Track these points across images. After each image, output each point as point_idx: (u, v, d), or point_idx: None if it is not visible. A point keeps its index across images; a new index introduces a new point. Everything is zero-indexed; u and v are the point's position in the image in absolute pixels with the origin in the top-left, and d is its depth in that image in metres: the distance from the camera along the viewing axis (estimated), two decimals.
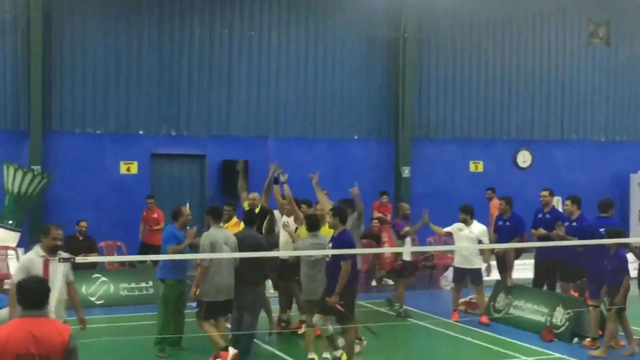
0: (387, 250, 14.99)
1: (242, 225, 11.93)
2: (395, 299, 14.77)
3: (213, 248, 10.43)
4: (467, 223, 13.92)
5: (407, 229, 14.79)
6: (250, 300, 10.89)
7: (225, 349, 10.33)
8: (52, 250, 8.55)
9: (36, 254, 8.68)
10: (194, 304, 11.07)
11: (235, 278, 10.71)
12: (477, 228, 13.87)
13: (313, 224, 10.90)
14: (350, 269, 9.96)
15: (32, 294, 5.62)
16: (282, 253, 11.89)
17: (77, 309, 9.12)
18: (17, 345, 5.41)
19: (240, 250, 10.60)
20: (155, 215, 17.75)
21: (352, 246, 10.23)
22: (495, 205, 17.65)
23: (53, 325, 5.67)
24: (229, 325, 11.25)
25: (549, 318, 12.74)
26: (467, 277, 14.09)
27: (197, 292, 10.60)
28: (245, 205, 12.81)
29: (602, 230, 11.66)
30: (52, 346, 5.52)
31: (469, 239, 13.78)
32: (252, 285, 10.82)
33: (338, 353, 10.20)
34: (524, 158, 22.74)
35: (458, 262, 14.12)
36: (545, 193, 14.12)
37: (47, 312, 5.73)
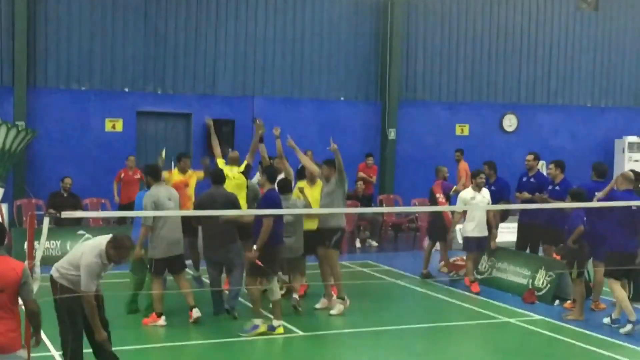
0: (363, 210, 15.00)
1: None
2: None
3: (157, 207, 10.50)
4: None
5: (454, 188, 14.68)
6: (229, 257, 11.10)
7: (159, 315, 10.61)
8: None
9: None
10: None
11: (212, 237, 10.97)
12: (486, 193, 13.52)
13: (284, 186, 11.12)
14: (272, 227, 10.06)
15: None
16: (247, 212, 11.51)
17: None
18: None
19: (215, 208, 10.63)
20: (138, 176, 17.11)
21: (277, 205, 10.27)
22: (463, 168, 17.78)
23: (7, 263, 6.46)
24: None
25: (531, 280, 12.86)
26: (481, 246, 13.65)
27: (142, 252, 10.66)
28: (221, 164, 12.60)
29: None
30: (6, 281, 6.33)
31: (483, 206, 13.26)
32: (228, 242, 11.03)
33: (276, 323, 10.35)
34: (510, 122, 22.77)
35: (474, 232, 13.38)
36: (530, 157, 14.19)
37: (3, 251, 6.55)
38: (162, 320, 10.64)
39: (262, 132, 12.70)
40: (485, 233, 13.50)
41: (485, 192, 13.48)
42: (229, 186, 11.71)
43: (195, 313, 10.68)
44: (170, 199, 10.74)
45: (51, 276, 8.04)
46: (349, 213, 17.22)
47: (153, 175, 10.94)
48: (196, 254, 12.58)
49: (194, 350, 10.01)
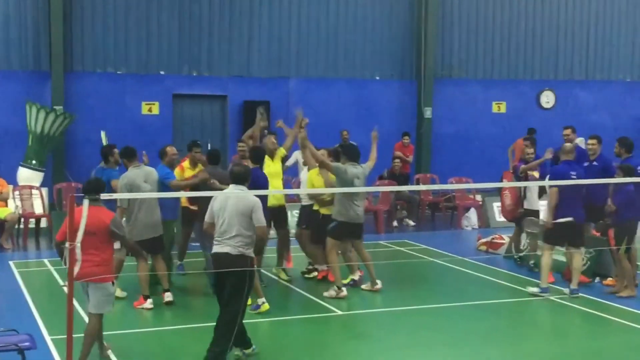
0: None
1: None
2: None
3: (131, 189, 10.39)
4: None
5: (523, 166, 13.23)
6: None
7: (146, 298, 10.50)
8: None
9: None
10: None
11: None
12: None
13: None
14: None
15: (90, 187, 7.99)
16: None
17: None
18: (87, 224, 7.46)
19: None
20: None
21: (263, 185, 10.35)
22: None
23: (101, 212, 7.98)
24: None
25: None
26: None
27: None
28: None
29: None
30: (98, 227, 7.86)
31: None
32: None
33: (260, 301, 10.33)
34: (548, 99, 22.52)
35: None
36: (568, 131, 14.01)
37: (99, 202, 8.01)
38: (148, 303, 10.50)
39: (305, 123, 11.96)
40: None
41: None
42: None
43: (167, 297, 10.60)
44: (146, 181, 10.63)
45: (239, 255, 8.15)
46: (387, 192, 17.23)
47: (128, 157, 10.88)
48: (185, 246, 12.63)
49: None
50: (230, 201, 8.28)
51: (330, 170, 11.39)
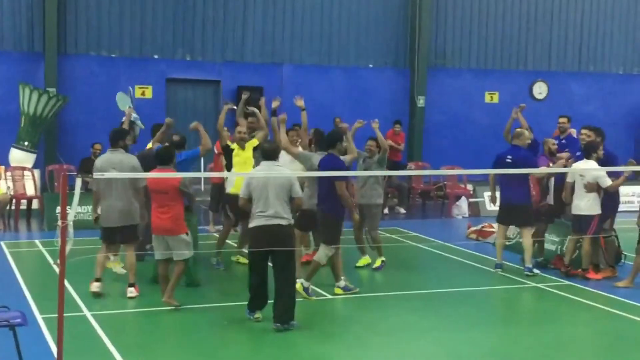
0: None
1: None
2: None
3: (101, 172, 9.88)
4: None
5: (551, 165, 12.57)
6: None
7: (97, 280, 10.17)
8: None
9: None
10: None
11: None
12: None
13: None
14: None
15: (162, 152, 9.74)
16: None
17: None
18: (153, 184, 9.49)
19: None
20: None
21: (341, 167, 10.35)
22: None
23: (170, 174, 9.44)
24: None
25: (559, 246, 12.82)
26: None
27: (94, 216, 10.52)
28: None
29: None
30: (168, 186, 9.43)
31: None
32: None
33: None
34: (540, 89, 22.60)
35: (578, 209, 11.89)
36: (564, 119, 14.11)
37: (171, 166, 9.65)
38: (94, 287, 10.18)
39: (276, 106, 11.78)
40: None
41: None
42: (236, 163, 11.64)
43: (130, 293, 10.22)
44: (114, 167, 10.08)
45: (289, 225, 9.03)
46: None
47: (109, 139, 10.55)
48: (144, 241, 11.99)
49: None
50: (270, 177, 8.93)
51: (294, 156, 11.24)
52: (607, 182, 11.52)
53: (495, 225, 14.56)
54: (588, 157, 11.81)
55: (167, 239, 9.60)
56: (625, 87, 23.35)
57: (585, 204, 11.68)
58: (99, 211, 10.34)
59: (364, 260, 12.35)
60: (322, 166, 10.42)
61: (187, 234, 9.69)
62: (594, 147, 11.89)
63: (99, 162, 10.41)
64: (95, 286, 10.17)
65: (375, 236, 12.17)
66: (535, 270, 11.96)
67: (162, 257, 9.71)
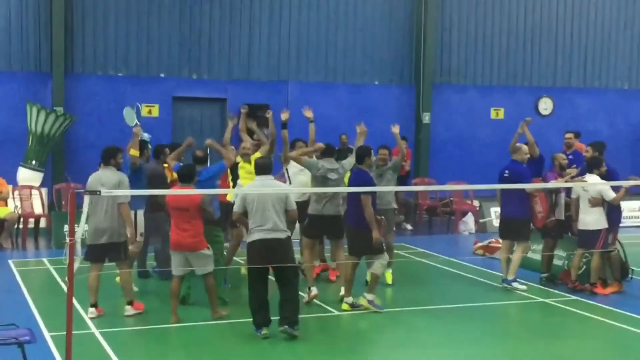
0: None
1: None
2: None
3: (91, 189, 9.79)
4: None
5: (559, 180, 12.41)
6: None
7: (93, 306, 10.09)
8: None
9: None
10: None
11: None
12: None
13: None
14: None
15: (183, 171, 10.16)
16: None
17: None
18: (174, 202, 9.77)
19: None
20: None
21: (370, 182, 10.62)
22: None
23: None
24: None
25: (566, 262, 12.81)
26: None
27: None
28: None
29: None
30: (190, 204, 9.68)
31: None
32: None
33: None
34: (546, 105, 22.63)
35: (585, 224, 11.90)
36: (570, 135, 14.17)
37: (192, 184, 10.02)
38: (90, 313, 10.09)
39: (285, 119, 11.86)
40: None
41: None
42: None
43: (128, 311, 10.24)
44: (103, 185, 9.91)
45: (287, 238, 9.31)
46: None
47: (101, 157, 10.42)
48: (144, 258, 12.31)
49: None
50: (265, 191, 9.17)
51: (304, 165, 11.45)
52: (611, 195, 11.57)
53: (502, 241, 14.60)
54: (590, 172, 11.86)
55: (187, 255, 9.87)
56: (631, 102, 23.37)
57: (592, 219, 11.71)
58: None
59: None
60: (352, 181, 10.78)
61: (208, 248, 9.99)
62: (596, 162, 11.94)
63: (90, 179, 10.31)
64: (91, 312, 10.08)
65: (390, 242, 12.11)
66: (517, 285, 11.89)
67: (181, 273, 9.97)
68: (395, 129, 12.23)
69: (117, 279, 11.19)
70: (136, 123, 13.49)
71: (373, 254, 10.50)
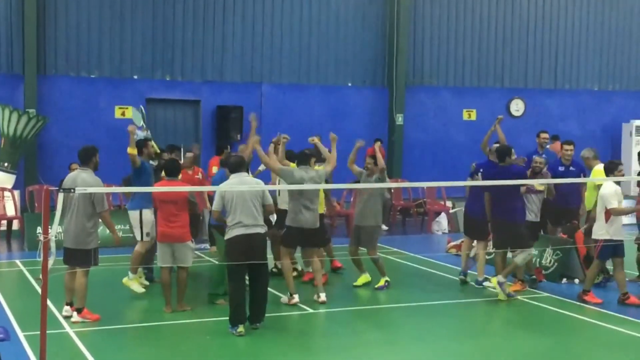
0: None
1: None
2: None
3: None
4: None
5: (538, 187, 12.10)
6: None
7: (72, 305, 9.96)
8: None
9: None
10: None
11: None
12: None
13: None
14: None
15: (168, 165, 10.64)
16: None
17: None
18: (162, 195, 10.20)
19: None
20: (200, 176, 14.06)
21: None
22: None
23: (179, 185, 10.52)
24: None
25: (538, 259, 12.95)
26: None
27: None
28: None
29: None
30: (177, 197, 10.14)
31: None
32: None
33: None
34: (517, 107, 22.83)
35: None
36: (545, 135, 14.28)
37: (178, 178, 10.58)
38: (65, 311, 10.03)
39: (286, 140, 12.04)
40: None
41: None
42: None
43: (65, 312, 10.01)
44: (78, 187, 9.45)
45: (265, 233, 9.70)
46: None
47: (79, 158, 10.25)
48: (151, 258, 12.01)
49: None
50: (242, 188, 9.35)
51: (277, 173, 11.26)
52: (613, 204, 11.02)
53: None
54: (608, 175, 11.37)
55: (172, 247, 10.24)
56: (601, 104, 23.65)
57: (596, 227, 11.31)
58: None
59: (363, 278, 12.21)
60: (497, 176, 11.38)
61: (192, 241, 10.63)
62: (612, 167, 11.46)
63: (66, 180, 10.14)
64: (65, 310, 10.00)
65: (376, 257, 12.05)
66: (487, 284, 11.80)
67: (168, 263, 10.35)
68: (332, 135, 11.58)
69: (124, 279, 11.30)
70: (142, 125, 13.37)
71: (520, 248, 11.32)
